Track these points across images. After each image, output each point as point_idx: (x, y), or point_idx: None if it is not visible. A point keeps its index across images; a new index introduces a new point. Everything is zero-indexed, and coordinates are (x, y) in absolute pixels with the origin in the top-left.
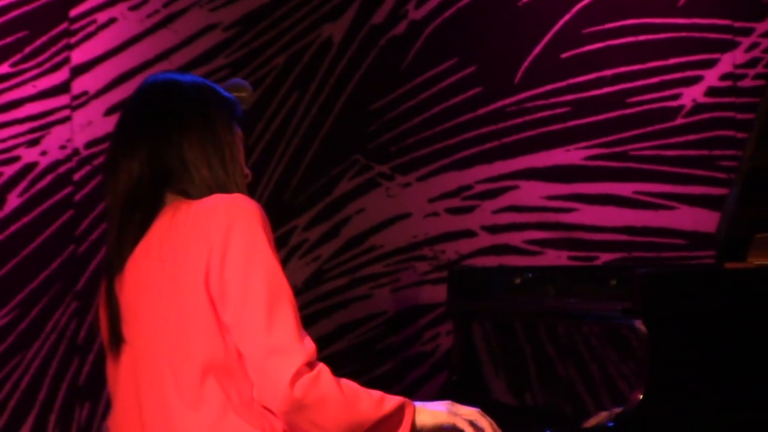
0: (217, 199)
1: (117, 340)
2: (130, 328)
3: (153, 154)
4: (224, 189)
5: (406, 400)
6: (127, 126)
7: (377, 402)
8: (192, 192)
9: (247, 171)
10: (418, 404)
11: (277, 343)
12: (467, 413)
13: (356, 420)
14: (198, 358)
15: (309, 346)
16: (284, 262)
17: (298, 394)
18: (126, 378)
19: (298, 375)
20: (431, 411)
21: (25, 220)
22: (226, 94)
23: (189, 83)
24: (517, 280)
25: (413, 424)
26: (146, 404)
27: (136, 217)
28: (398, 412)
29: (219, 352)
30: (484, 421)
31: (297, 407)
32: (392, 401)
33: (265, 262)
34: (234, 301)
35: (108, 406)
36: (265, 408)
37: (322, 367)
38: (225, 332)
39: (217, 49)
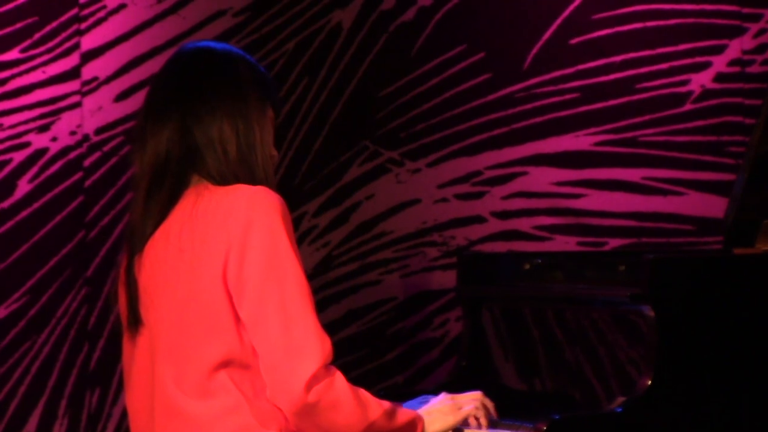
0: (240, 191)
1: (136, 321)
2: (147, 312)
3: (182, 129)
4: (250, 173)
5: (418, 414)
6: (158, 96)
7: (389, 413)
8: (217, 175)
9: (275, 152)
10: (424, 411)
11: (293, 343)
12: (471, 400)
13: (366, 430)
14: (211, 350)
15: (327, 347)
16: None
17: (312, 398)
18: (142, 360)
19: (314, 379)
20: (440, 418)
21: (36, 206)
22: (263, 70)
23: (225, 56)
24: (526, 266)
25: None
26: (158, 389)
27: (161, 195)
28: (410, 427)
29: (235, 347)
30: (481, 410)
31: (309, 411)
32: (405, 414)
33: (285, 259)
34: (251, 298)
35: (118, 390)
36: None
37: (338, 373)
38: (242, 327)
39: (226, 34)
